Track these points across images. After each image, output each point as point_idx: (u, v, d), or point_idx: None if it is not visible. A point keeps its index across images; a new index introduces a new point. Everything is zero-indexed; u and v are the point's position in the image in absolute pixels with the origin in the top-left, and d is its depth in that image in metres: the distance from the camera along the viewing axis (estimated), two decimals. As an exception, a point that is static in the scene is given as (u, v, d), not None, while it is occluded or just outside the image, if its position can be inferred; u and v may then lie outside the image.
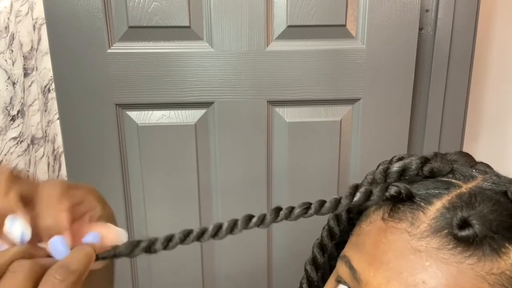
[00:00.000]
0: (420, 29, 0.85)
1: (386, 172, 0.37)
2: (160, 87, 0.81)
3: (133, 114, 0.84)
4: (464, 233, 0.30)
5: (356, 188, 0.36)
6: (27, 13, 0.81)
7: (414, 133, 0.91)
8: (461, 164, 0.39)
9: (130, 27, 0.79)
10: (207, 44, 0.81)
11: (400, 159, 0.38)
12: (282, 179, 0.88)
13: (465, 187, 0.35)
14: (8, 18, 0.75)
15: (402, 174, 0.37)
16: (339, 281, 0.37)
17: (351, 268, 0.35)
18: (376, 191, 0.34)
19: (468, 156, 0.41)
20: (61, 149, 0.93)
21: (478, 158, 0.39)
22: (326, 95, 0.84)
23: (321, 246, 0.44)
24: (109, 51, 0.79)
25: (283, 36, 0.81)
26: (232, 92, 0.82)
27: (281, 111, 0.85)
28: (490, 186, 0.35)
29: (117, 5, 0.77)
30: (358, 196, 0.34)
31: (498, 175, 0.37)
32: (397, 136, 0.87)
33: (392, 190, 0.34)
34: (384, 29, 0.81)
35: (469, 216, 0.31)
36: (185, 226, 0.39)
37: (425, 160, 0.37)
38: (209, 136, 0.85)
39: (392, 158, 0.40)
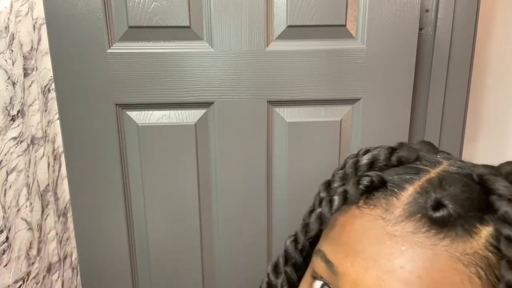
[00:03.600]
0: (420, 29, 0.85)
1: (356, 166, 0.38)
2: (160, 87, 0.81)
3: (133, 114, 0.84)
4: (439, 214, 0.31)
5: (328, 185, 0.37)
6: (27, 13, 0.81)
7: (414, 133, 0.91)
8: (426, 151, 0.40)
9: (130, 27, 0.79)
10: (207, 44, 0.81)
11: (367, 151, 0.39)
12: (282, 179, 0.88)
13: (433, 172, 0.36)
14: (8, 18, 0.75)
15: (371, 165, 0.38)
16: (314, 277, 0.37)
17: (327, 261, 0.35)
18: (350, 188, 0.35)
19: (431, 145, 0.42)
20: (61, 149, 0.93)
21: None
22: (326, 95, 0.84)
23: (296, 243, 0.43)
24: (109, 51, 0.79)
25: (283, 36, 0.81)
26: (232, 92, 0.82)
27: (281, 111, 0.85)
28: (456, 170, 0.36)
29: (117, 5, 0.78)
30: (336, 201, 0.35)
31: (461, 160, 0.38)
32: (397, 136, 0.87)
33: (365, 181, 0.35)
34: (384, 29, 0.81)
35: (442, 197, 0.31)
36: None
37: (392, 150, 0.38)
38: (209, 136, 0.85)
39: (358, 151, 0.41)
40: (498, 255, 0.31)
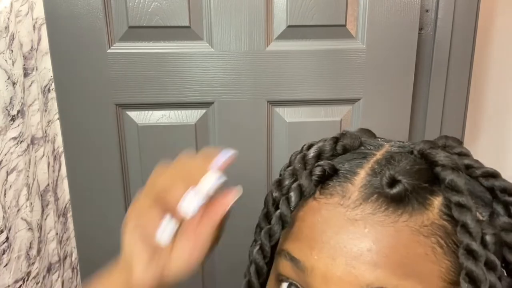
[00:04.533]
0: (420, 29, 0.85)
1: (304, 160, 0.38)
2: (160, 87, 0.81)
3: (133, 114, 0.84)
4: (395, 189, 0.31)
5: (280, 183, 0.38)
6: (27, 13, 0.81)
7: (414, 133, 0.91)
8: (367, 137, 0.41)
9: (130, 27, 0.79)
10: (207, 44, 0.81)
11: (311, 145, 0.40)
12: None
13: (379, 154, 0.37)
14: (8, 18, 0.75)
15: (319, 157, 0.38)
16: (281, 280, 0.36)
17: (292, 259, 0.34)
18: (304, 181, 0.35)
19: (369, 131, 0.44)
20: (61, 149, 0.93)
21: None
22: (326, 95, 0.84)
23: (263, 252, 0.39)
24: (109, 51, 0.79)
25: (283, 36, 0.81)
26: (232, 92, 0.82)
27: (281, 111, 0.85)
28: (398, 150, 0.37)
29: (117, 5, 0.77)
30: (293, 197, 0.35)
31: (400, 141, 0.40)
32: (397, 136, 0.87)
33: (317, 171, 0.35)
34: (384, 29, 0.81)
35: (395, 173, 0.32)
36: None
37: (336, 140, 0.39)
38: (209, 136, 0.85)
39: (302, 147, 0.41)
40: (452, 222, 0.32)
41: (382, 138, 0.42)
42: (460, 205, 0.32)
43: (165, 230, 0.37)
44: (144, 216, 0.38)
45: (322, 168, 0.35)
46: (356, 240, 0.31)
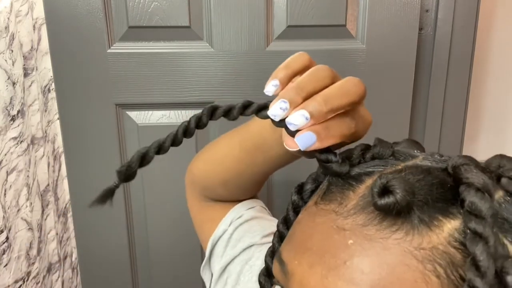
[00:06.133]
0: (420, 29, 0.85)
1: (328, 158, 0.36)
2: (160, 87, 0.81)
3: (133, 114, 0.84)
4: (384, 200, 0.27)
5: (301, 187, 0.36)
6: (27, 13, 0.81)
7: (414, 133, 0.91)
8: (407, 148, 0.37)
9: (130, 27, 0.79)
10: (207, 44, 0.81)
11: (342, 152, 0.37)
12: (282, 179, 0.88)
13: (402, 165, 0.32)
14: (8, 18, 0.75)
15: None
16: (273, 283, 0.35)
17: (280, 262, 0.32)
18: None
19: (416, 143, 0.39)
20: (61, 149, 0.93)
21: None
22: (326, 95, 0.84)
23: (273, 253, 0.40)
24: (109, 51, 0.79)
25: (283, 36, 0.81)
26: (232, 92, 0.82)
27: (281, 111, 0.85)
28: (429, 164, 0.32)
29: (117, 5, 0.77)
30: (308, 185, 0.34)
31: (442, 155, 0.34)
32: (397, 136, 0.87)
33: (333, 159, 0.33)
34: (384, 29, 0.81)
35: (388, 181, 0.28)
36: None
37: (366, 147, 0.36)
38: (209, 136, 0.85)
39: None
40: (465, 252, 0.27)
41: (427, 152, 0.36)
42: (475, 233, 0.26)
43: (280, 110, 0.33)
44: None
45: (337, 159, 0.33)
46: (337, 250, 0.28)
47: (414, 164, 0.32)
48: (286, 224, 0.38)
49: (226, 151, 0.50)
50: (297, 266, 0.30)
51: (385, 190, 0.28)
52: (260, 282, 0.40)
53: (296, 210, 0.36)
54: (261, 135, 0.44)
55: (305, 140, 0.31)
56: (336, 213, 0.30)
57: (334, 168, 0.33)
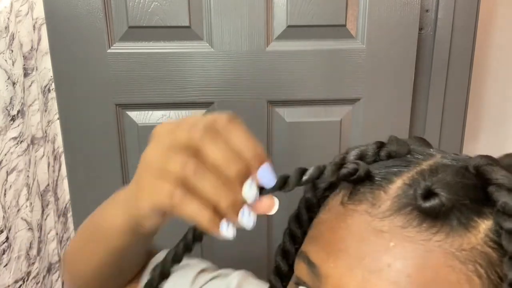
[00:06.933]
0: (420, 29, 0.85)
1: (343, 162, 0.35)
2: (160, 87, 0.81)
3: (133, 114, 0.84)
4: (429, 203, 0.28)
5: (314, 185, 0.36)
6: (27, 13, 0.81)
7: (414, 133, 0.91)
8: (419, 145, 0.37)
9: (130, 27, 0.79)
10: (207, 44, 0.81)
11: (353, 148, 0.36)
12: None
13: (425, 164, 0.32)
14: (8, 18, 0.75)
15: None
16: (297, 283, 0.34)
17: (309, 263, 0.32)
18: (329, 167, 0.32)
19: (423, 140, 0.39)
20: (61, 149, 0.93)
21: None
22: (326, 95, 0.84)
23: (284, 252, 0.39)
24: (109, 51, 0.79)
25: (283, 36, 0.81)
26: (232, 92, 0.82)
27: (281, 111, 0.85)
28: (450, 162, 0.33)
29: (117, 5, 0.77)
30: (311, 172, 0.33)
31: (456, 154, 0.35)
32: (397, 136, 0.87)
33: (349, 166, 0.32)
34: (384, 29, 0.81)
35: (433, 184, 0.28)
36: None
37: (381, 145, 0.35)
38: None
39: (347, 150, 0.37)
40: (500, 251, 0.28)
41: (436, 149, 0.37)
42: (511, 233, 0.28)
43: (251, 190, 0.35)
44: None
45: (355, 167, 0.32)
46: (378, 253, 0.28)
47: (439, 163, 0.32)
48: (298, 222, 0.38)
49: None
50: (333, 268, 0.30)
51: (430, 193, 0.28)
52: (270, 281, 0.40)
53: (310, 209, 0.36)
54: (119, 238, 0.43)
55: (268, 180, 0.36)
56: (370, 214, 0.30)
57: (350, 173, 0.32)
